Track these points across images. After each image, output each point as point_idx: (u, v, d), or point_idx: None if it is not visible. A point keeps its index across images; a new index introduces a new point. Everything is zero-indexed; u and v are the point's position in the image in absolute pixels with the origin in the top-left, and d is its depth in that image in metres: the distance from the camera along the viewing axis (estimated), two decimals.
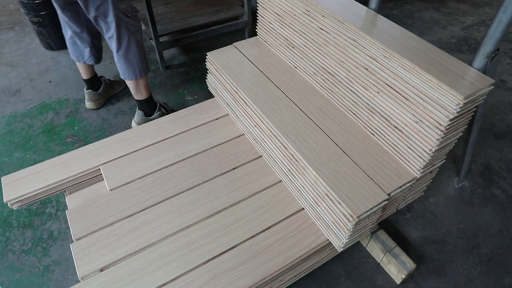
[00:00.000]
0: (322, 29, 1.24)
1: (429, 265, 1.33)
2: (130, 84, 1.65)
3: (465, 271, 1.32)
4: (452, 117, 0.91)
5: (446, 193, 1.56)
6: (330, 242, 1.17)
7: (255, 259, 1.12)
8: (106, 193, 1.34)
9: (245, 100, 1.39)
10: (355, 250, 1.38)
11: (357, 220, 1.01)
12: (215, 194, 1.29)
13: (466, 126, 1.04)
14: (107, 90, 1.96)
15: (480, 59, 1.07)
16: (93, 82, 1.88)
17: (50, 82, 2.13)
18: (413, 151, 1.08)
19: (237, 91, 1.42)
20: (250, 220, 1.22)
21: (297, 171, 1.20)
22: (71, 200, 1.36)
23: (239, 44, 1.63)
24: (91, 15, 1.44)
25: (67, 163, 1.39)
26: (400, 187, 1.08)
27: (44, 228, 1.46)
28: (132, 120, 1.80)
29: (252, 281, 1.07)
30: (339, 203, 1.05)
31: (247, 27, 2.32)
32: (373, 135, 1.21)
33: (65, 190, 1.39)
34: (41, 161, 1.68)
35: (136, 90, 1.67)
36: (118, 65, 1.58)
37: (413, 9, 2.75)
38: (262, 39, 1.64)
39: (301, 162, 1.16)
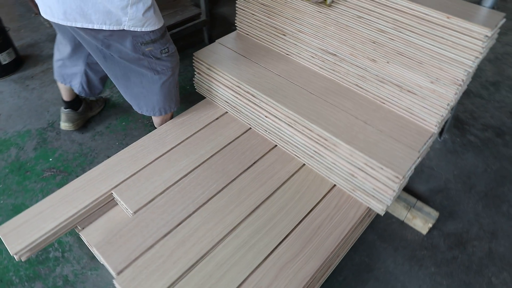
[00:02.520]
0: (320, 12, 1.29)
1: (443, 212, 1.47)
2: (155, 118, 1.52)
3: (471, 209, 1.50)
4: (471, 69, 1.03)
5: (434, 147, 1.74)
6: (369, 210, 1.23)
7: (311, 242, 1.13)
8: (128, 217, 1.23)
9: (251, 92, 1.37)
10: (377, 215, 1.47)
11: (402, 180, 1.08)
12: (247, 191, 1.26)
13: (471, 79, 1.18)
14: (86, 111, 1.77)
15: None
16: (74, 102, 1.69)
17: None
18: (428, 109, 1.18)
19: (240, 86, 1.40)
20: (290, 208, 1.22)
21: (326, 150, 1.23)
22: (88, 235, 1.21)
23: (222, 40, 1.60)
24: (110, 64, 1.28)
25: (72, 195, 1.24)
26: (425, 143, 1.18)
27: (55, 275, 1.28)
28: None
29: (318, 263, 1.08)
30: (381, 168, 1.11)
31: (205, 26, 2.27)
32: (384, 104, 1.30)
33: (76, 226, 1.23)
34: (23, 204, 1.47)
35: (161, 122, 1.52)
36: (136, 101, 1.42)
37: None
38: (244, 33, 1.63)
39: (330, 140, 1.20)
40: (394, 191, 1.11)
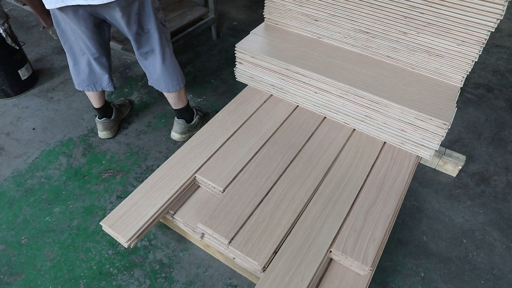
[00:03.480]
0: None
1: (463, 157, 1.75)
2: (171, 95, 1.61)
3: (484, 152, 1.79)
4: (494, 29, 1.28)
5: None
6: (417, 158, 1.46)
7: (383, 189, 1.33)
8: (216, 196, 1.35)
9: (301, 73, 1.54)
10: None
11: (449, 127, 1.31)
12: (316, 157, 1.44)
13: None
14: (118, 115, 1.83)
15: None
16: (105, 109, 1.74)
17: (34, 129, 1.84)
18: (454, 69, 1.43)
19: (289, 68, 1.56)
20: (356, 165, 1.41)
21: (377, 112, 1.44)
22: (183, 216, 1.32)
23: (256, 31, 1.75)
24: (133, 31, 1.38)
25: (160, 184, 1.34)
26: (456, 95, 1.43)
27: (149, 261, 1.37)
28: (172, 132, 1.75)
29: (394, 203, 1.28)
30: (430, 119, 1.33)
31: (214, 24, 2.39)
32: (414, 69, 1.53)
33: (168, 211, 1.33)
34: (92, 204, 1.53)
35: (178, 99, 1.64)
36: (162, 78, 1.53)
37: None
38: (273, 23, 1.79)
39: (382, 103, 1.41)
40: (442, 136, 1.34)
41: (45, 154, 1.73)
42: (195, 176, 1.38)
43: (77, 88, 1.61)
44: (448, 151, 1.66)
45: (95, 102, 1.69)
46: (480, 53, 1.37)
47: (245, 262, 1.18)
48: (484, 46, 1.36)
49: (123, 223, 1.23)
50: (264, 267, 1.13)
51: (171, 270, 1.34)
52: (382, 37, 1.52)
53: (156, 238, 1.44)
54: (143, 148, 1.77)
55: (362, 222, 1.23)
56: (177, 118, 1.74)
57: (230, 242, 1.18)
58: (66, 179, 1.63)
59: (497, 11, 1.24)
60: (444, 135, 1.35)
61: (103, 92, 1.68)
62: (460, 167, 1.63)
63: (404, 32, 1.46)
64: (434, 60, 1.46)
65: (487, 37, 1.31)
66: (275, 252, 1.16)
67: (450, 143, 1.82)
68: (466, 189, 1.63)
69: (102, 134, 1.77)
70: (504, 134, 1.87)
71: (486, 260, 1.39)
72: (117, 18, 1.33)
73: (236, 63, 1.73)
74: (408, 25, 1.43)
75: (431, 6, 1.35)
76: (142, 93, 2.07)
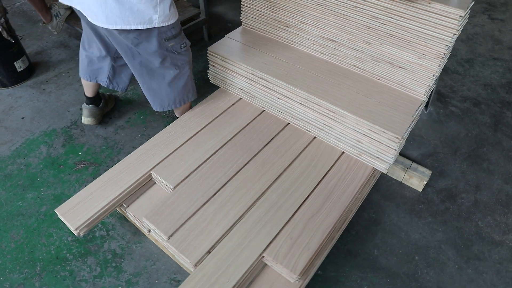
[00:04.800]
0: (320, 4, 1.49)
1: (434, 172, 1.71)
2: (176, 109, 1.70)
3: (457, 167, 1.74)
4: (451, 44, 1.25)
5: (422, 119, 1.97)
6: (374, 171, 1.45)
7: (330, 199, 1.34)
8: (168, 193, 1.40)
9: (265, 78, 1.57)
10: (379, 179, 1.69)
11: (401, 140, 1.30)
12: (269, 162, 1.46)
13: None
14: (105, 106, 1.92)
15: None
16: (96, 98, 1.83)
17: (22, 118, 1.97)
18: (417, 81, 1.41)
19: (254, 73, 1.59)
20: (309, 173, 1.42)
21: (335, 121, 1.44)
22: (134, 210, 1.38)
23: (231, 35, 1.78)
24: (137, 62, 1.44)
25: (117, 178, 1.40)
26: (416, 110, 1.41)
27: (104, 250, 1.44)
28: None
29: (337, 214, 1.29)
30: (383, 132, 1.32)
31: (205, 25, 2.45)
32: (379, 80, 1.51)
33: (121, 204, 1.40)
34: (62, 193, 1.62)
35: (182, 112, 1.70)
36: (160, 96, 1.57)
37: None
38: (249, 27, 1.82)
39: (339, 112, 1.41)
40: (395, 150, 1.33)
41: (29, 142, 1.84)
42: (151, 173, 1.44)
43: (80, 75, 1.71)
44: (414, 165, 1.63)
45: (88, 91, 1.78)
46: (441, 69, 1.34)
47: (180, 259, 1.22)
48: (444, 60, 1.33)
49: (75, 212, 1.30)
50: (196, 265, 1.18)
51: (122, 260, 1.41)
52: (348, 46, 1.52)
53: (114, 229, 1.51)
54: (119, 142, 1.85)
55: (301, 231, 1.24)
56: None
57: (169, 238, 1.23)
58: (43, 167, 1.73)
59: (453, 26, 1.22)
60: (398, 149, 1.33)
61: (99, 84, 1.77)
62: (425, 182, 1.60)
63: (368, 42, 1.45)
64: (397, 72, 1.44)
65: (446, 52, 1.28)
66: (209, 252, 1.20)
67: (423, 156, 1.79)
68: (429, 205, 1.59)
69: (86, 120, 1.86)
70: (482, 151, 1.81)
71: (434, 279, 1.37)
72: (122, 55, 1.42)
73: (209, 65, 1.77)
74: (371, 35, 1.42)
75: (391, 18, 1.33)
76: (128, 89, 2.15)
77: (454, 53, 2.40)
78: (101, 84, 1.71)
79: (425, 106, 2.01)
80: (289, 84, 1.50)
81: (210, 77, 1.81)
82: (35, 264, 1.40)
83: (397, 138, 1.30)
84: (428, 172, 1.61)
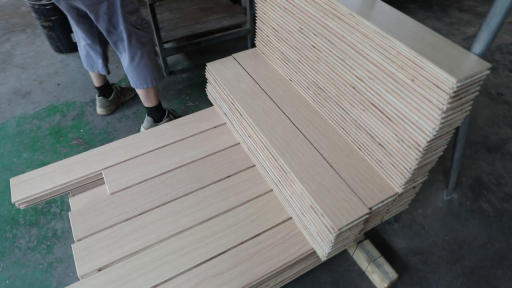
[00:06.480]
0: (314, 47, 1.30)
1: (412, 276, 1.38)
2: (140, 92, 1.73)
3: (447, 282, 1.37)
4: (430, 139, 0.97)
5: (435, 205, 1.61)
6: (315, 251, 1.23)
7: (242, 265, 1.18)
8: (107, 196, 1.42)
9: (240, 111, 1.45)
10: (342, 258, 1.44)
11: (338, 233, 1.07)
12: (209, 201, 1.36)
13: (446, 146, 1.09)
14: (118, 97, 2.04)
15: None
16: (105, 89, 1.96)
17: (58, 84, 2.22)
18: (395, 167, 1.13)
19: (233, 102, 1.48)
20: (240, 227, 1.28)
21: (286, 182, 1.26)
22: (74, 202, 1.44)
23: (238, 55, 1.69)
24: (103, 28, 1.52)
25: (71, 167, 1.47)
26: (382, 201, 1.14)
27: (49, 227, 1.55)
28: (141, 126, 1.88)
29: (238, 286, 1.14)
30: (322, 215, 1.11)
31: (249, 35, 2.38)
32: (360, 150, 1.27)
33: (69, 192, 1.47)
34: (48, 162, 1.78)
35: (146, 98, 1.74)
36: (129, 75, 1.65)
37: (415, 17, 2.78)
38: (260, 51, 1.70)
39: (289, 174, 1.23)
40: (330, 241, 1.10)
41: (50, 107, 2.07)
42: (102, 172, 1.47)
43: (84, 67, 1.86)
44: (381, 259, 1.34)
45: (95, 81, 1.93)
46: (419, 164, 1.05)
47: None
48: (428, 155, 1.04)
49: (22, 186, 1.41)
50: (82, 277, 1.17)
51: (56, 242, 1.50)
52: (335, 101, 1.30)
53: (68, 210, 1.61)
54: (116, 130, 1.95)
55: (192, 286, 1.14)
56: (147, 115, 1.84)
57: (77, 241, 1.26)
58: (48, 134, 1.93)
59: (434, 118, 0.93)
60: (333, 240, 1.10)
61: (102, 75, 1.90)
62: (386, 285, 1.30)
63: (352, 104, 1.22)
64: (377, 148, 1.18)
65: (425, 146, 0.99)
66: (99, 270, 1.19)
67: (410, 251, 1.46)
68: None
69: (98, 110, 2.02)
70: (494, 273, 1.39)
71: None
72: (87, 12, 1.48)
73: (207, 81, 1.71)
74: (356, 97, 1.19)
75: (373, 84, 1.09)
76: None
77: None
78: (101, 72, 1.81)
79: (445, 188, 1.63)
80: (256, 125, 1.36)
81: (207, 92, 1.75)
82: None
83: (332, 229, 1.07)
84: (393, 275, 1.31)
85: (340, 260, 1.43)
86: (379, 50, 1.02)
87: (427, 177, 1.22)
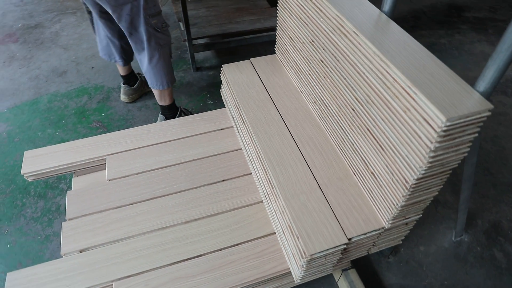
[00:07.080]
0: (322, 62, 1.25)
1: None
2: (155, 91, 1.77)
3: None
4: (417, 177, 0.89)
5: (440, 244, 1.48)
6: (287, 269, 1.19)
7: (214, 272, 1.18)
8: (105, 182, 1.47)
9: (243, 117, 1.44)
10: (326, 282, 1.38)
11: (309, 258, 1.02)
12: (197, 202, 1.36)
13: (441, 186, 1.00)
14: (141, 87, 2.11)
15: None
16: (129, 78, 2.04)
17: (92, 68, 2.34)
18: (384, 200, 1.06)
19: (239, 108, 1.47)
20: (221, 233, 1.27)
21: (272, 196, 1.23)
22: (76, 182, 1.51)
23: (255, 60, 1.67)
24: (124, 28, 1.57)
25: (80, 149, 1.55)
26: (365, 234, 1.07)
27: (54, 201, 1.64)
28: (157, 121, 1.93)
29: None
30: (298, 238, 1.06)
31: None
32: (355, 175, 1.20)
33: (74, 172, 1.55)
34: (67, 140, 1.88)
35: (160, 97, 1.78)
36: (147, 75, 1.69)
37: (464, 40, 2.58)
38: (278, 58, 1.67)
39: (275, 189, 1.19)
40: (301, 265, 1.06)
41: (80, 89, 2.19)
42: (105, 158, 1.53)
43: (101, 56, 1.95)
44: None
45: (120, 69, 2.01)
46: (407, 201, 0.97)
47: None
48: (416, 194, 0.96)
49: (34, 160, 1.51)
50: (64, 255, 1.23)
51: (58, 217, 1.59)
52: (336, 119, 1.24)
53: None
54: (134, 119, 2.02)
55: (161, 284, 1.15)
56: (160, 113, 1.89)
57: (68, 220, 1.32)
58: (73, 113, 2.05)
59: (422, 157, 0.85)
60: (304, 265, 1.06)
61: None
62: None
63: (350, 126, 1.15)
64: (369, 177, 1.11)
65: (414, 184, 0.91)
66: (81, 251, 1.24)
67: None
68: None
69: (122, 97, 2.10)
70: None
71: None
72: (110, 12, 1.53)
73: (222, 82, 1.72)
74: (355, 120, 1.12)
75: (370, 109, 1.02)
76: (177, 76, 2.29)
77: None
78: (118, 63, 1.87)
79: (455, 232, 1.50)
80: (254, 134, 1.34)
81: (221, 93, 1.76)
82: (10, 185, 1.71)
83: (304, 254, 1.03)
84: None
85: (323, 285, 1.37)
86: (377, 74, 0.95)
87: (421, 215, 1.13)
